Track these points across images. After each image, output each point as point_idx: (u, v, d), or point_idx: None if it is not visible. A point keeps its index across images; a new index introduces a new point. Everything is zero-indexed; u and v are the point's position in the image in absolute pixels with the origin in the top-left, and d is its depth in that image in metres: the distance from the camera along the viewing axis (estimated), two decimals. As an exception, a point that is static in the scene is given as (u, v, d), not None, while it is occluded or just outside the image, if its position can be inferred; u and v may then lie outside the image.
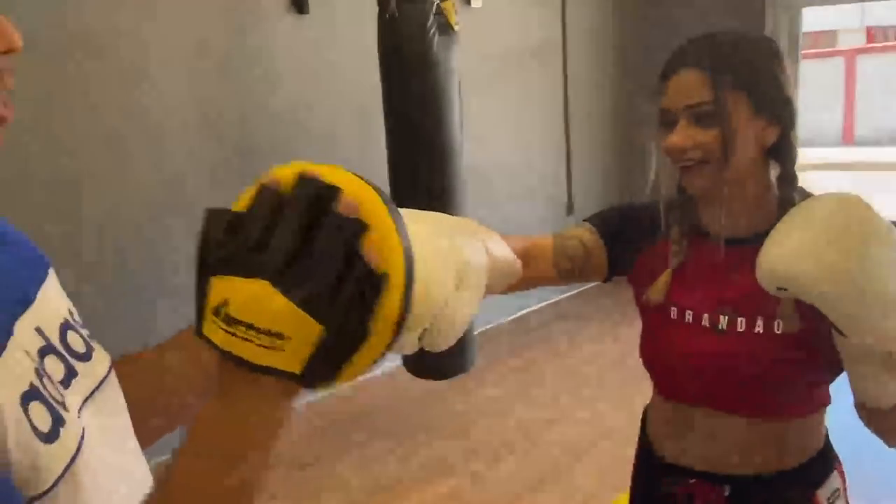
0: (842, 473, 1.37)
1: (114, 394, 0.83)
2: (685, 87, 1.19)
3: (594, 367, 4.16)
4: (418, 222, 0.96)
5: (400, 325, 0.65)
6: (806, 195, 1.24)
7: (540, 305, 5.01)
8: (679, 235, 1.33)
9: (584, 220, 1.44)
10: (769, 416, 1.31)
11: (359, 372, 0.64)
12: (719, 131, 1.18)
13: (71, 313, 0.84)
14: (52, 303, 0.80)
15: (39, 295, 0.79)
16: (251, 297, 0.57)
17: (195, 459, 0.64)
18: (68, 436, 0.67)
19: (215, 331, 0.59)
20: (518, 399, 3.66)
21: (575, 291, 5.38)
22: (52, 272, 0.85)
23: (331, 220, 0.59)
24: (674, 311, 1.29)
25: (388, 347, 0.66)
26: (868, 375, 1.16)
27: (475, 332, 3.15)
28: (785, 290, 1.10)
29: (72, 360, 0.77)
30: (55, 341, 0.76)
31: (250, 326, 0.58)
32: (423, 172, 3.08)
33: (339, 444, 3.43)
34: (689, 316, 1.26)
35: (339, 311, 0.59)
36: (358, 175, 0.65)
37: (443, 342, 0.97)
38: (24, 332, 0.71)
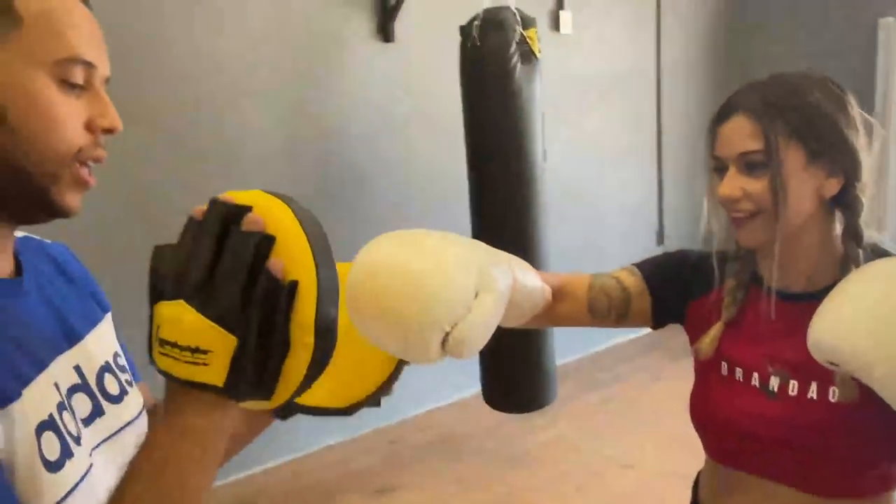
0: None
1: (135, 439, 0.88)
2: (736, 134, 1.16)
3: (673, 409, 4.03)
4: (445, 239, 1.03)
5: (322, 331, 0.68)
6: (881, 253, 1.19)
7: (622, 341, 4.94)
8: (735, 287, 1.29)
9: (632, 265, 1.43)
10: (826, 493, 1.23)
11: (297, 383, 0.70)
12: (770, 181, 1.14)
13: (116, 356, 0.91)
14: (99, 345, 0.87)
15: (89, 336, 0.86)
16: (172, 317, 0.63)
17: (143, 478, 0.71)
18: (73, 468, 0.72)
19: (157, 355, 0.65)
20: (592, 438, 3.59)
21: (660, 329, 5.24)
22: (108, 317, 0.94)
23: (235, 236, 0.64)
24: (724, 367, 1.25)
25: (320, 354, 0.69)
26: None
27: (555, 366, 3.13)
28: (836, 364, 1.03)
29: (102, 400, 0.83)
30: (91, 381, 0.82)
31: (175, 345, 0.64)
32: (503, 199, 3.07)
33: (414, 472, 3.47)
34: (739, 373, 1.21)
35: (250, 322, 0.64)
36: (276, 194, 0.71)
37: (465, 349, 1.01)
38: (62, 368, 0.77)
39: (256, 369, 0.68)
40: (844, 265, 1.16)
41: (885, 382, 0.98)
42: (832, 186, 1.14)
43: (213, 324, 0.65)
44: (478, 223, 3.18)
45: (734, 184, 1.16)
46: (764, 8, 5.28)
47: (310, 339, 0.68)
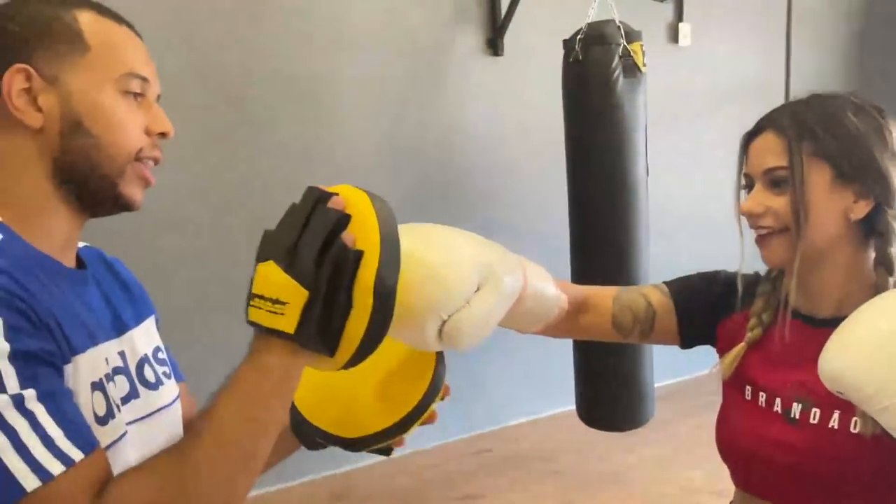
0: None
1: (166, 422, 1.02)
2: (763, 150, 1.18)
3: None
4: (458, 235, 1.11)
5: (381, 295, 0.79)
6: None
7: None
8: (761, 308, 1.28)
9: (663, 282, 1.43)
10: None
11: (358, 340, 0.80)
12: (792, 199, 1.15)
13: (157, 351, 1.07)
14: (142, 339, 1.02)
15: (135, 330, 1.01)
16: (262, 274, 0.76)
17: (225, 402, 0.82)
18: (112, 428, 0.85)
19: (249, 308, 0.78)
20: (685, 462, 3.51)
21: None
22: (152, 318, 1.09)
23: (319, 212, 0.77)
24: (749, 391, 1.25)
25: (378, 316, 0.80)
26: None
27: (654, 387, 3.11)
28: (841, 393, 1.03)
29: (139, 385, 0.96)
30: (132, 367, 0.96)
31: (262, 297, 0.76)
32: (600, 213, 3.09)
33: (501, 483, 3.55)
34: (762, 398, 1.21)
35: (320, 281, 0.75)
36: (361, 188, 0.86)
37: (459, 339, 1.07)
38: (110, 350, 0.91)
39: (322, 321, 0.79)
40: (875, 293, 1.14)
41: (887, 416, 0.97)
42: (860, 209, 1.13)
43: (291, 279, 0.76)
44: (576, 235, 3.18)
45: (758, 200, 1.17)
46: None
47: (369, 301, 0.79)
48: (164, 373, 1.06)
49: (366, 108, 3.71)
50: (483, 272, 1.11)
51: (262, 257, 0.80)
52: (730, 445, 1.31)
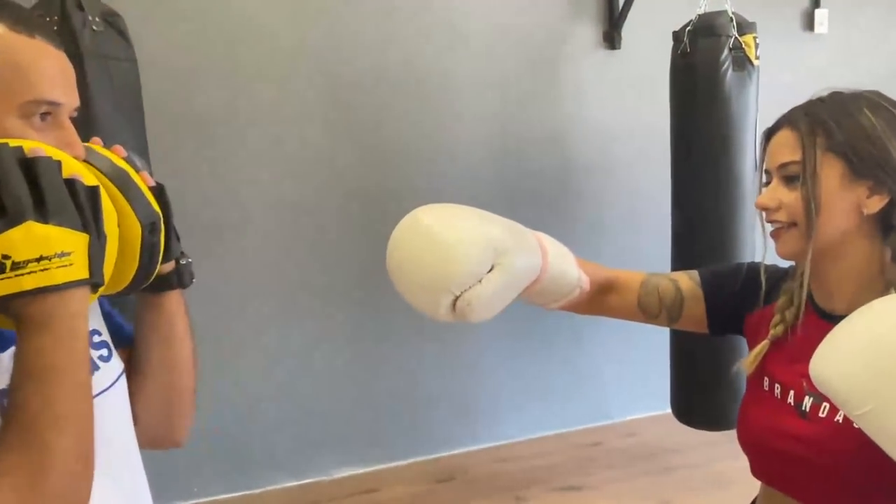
0: None
1: (109, 405, 1.02)
2: (780, 146, 1.20)
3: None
4: (478, 216, 1.18)
5: (143, 228, 0.86)
6: None
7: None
8: (785, 305, 1.29)
9: (696, 270, 1.46)
10: None
11: (128, 269, 0.87)
12: (803, 192, 1.17)
13: (93, 334, 1.04)
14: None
15: None
16: (26, 237, 0.71)
17: (42, 385, 0.77)
18: (101, 376, 0.97)
19: (7, 285, 0.71)
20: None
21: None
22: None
23: (40, 165, 0.74)
24: (766, 383, 1.27)
25: (142, 249, 0.87)
26: None
27: None
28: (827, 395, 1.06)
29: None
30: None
31: (41, 258, 0.72)
32: (702, 208, 3.06)
33: (607, 476, 3.60)
34: (778, 390, 1.23)
35: (87, 220, 0.76)
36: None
37: (469, 314, 1.15)
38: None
39: (102, 258, 0.82)
40: (888, 292, 1.15)
41: (864, 422, 0.98)
42: (874, 204, 1.14)
43: (66, 229, 0.75)
44: (679, 229, 3.18)
45: (772, 194, 1.20)
46: None
47: (114, 230, 0.85)
48: (101, 356, 1.07)
49: (480, 107, 3.71)
50: (497, 252, 1.18)
51: (4, 224, 0.75)
52: (747, 437, 1.33)
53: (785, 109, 1.30)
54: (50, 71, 0.89)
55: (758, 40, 2.99)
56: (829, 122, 1.17)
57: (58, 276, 0.75)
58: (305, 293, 3.68)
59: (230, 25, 3.42)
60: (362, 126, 3.60)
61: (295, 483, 3.89)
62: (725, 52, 2.87)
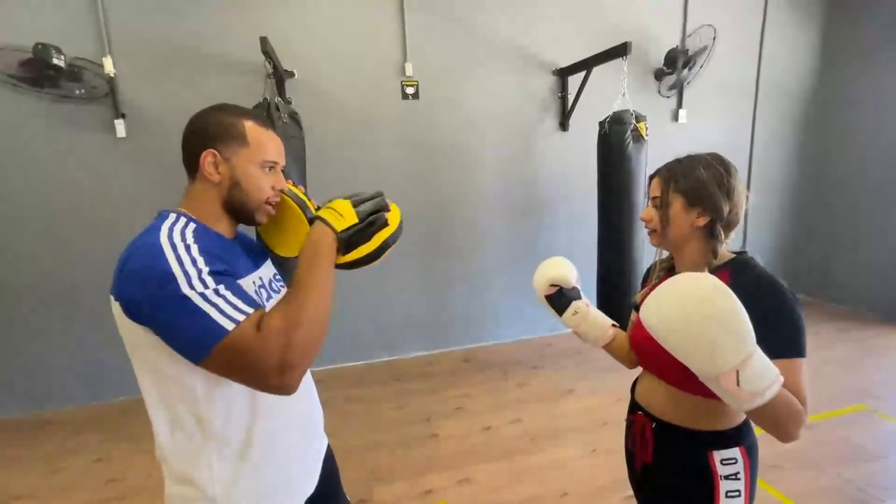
0: (745, 457, 1.46)
1: None
2: (653, 186, 1.45)
3: None
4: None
5: (384, 244, 1.36)
6: (745, 263, 1.39)
7: None
8: (659, 272, 1.55)
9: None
10: (684, 389, 1.44)
11: (360, 254, 1.35)
12: (661, 213, 1.41)
13: (275, 276, 1.51)
14: (264, 272, 1.47)
15: (261, 267, 1.47)
16: (342, 204, 1.34)
17: (305, 264, 1.28)
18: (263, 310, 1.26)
19: (323, 211, 1.33)
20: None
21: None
22: (268, 262, 1.52)
23: (379, 200, 1.39)
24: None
25: (375, 252, 1.35)
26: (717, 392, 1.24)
27: None
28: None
29: (271, 292, 1.44)
30: (266, 284, 1.45)
31: (334, 210, 1.33)
32: (618, 222, 3.80)
33: (548, 362, 4.30)
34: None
35: (364, 219, 1.35)
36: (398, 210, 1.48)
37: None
38: (254, 277, 1.40)
39: (355, 237, 1.31)
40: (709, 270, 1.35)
41: (666, 344, 1.18)
42: (701, 221, 1.37)
43: (354, 211, 1.27)
44: (602, 236, 3.94)
45: (648, 213, 1.44)
46: (852, 93, 5.54)
47: (376, 244, 1.33)
48: (281, 286, 1.50)
49: (489, 161, 4.72)
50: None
51: (347, 201, 1.28)
52: (632, 342, 1.58)
53: (660, 165, 1.47)
54: (276, 145, 1.37)
55: (647, 126, 3.93)
56: (678, 174, 1.39)
57: (331, 217, 1.30)
58: (407, 252, 4.69)
59: (353, 115, 4.42)
60: (427, 173, 4.62)
61: (386, 358, 4.94)
62: (628, 132, 3.70)
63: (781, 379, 1.18)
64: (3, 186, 3.83)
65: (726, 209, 1.38)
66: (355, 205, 1.33)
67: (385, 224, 1.34)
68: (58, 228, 3.96)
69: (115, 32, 3.85)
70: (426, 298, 4.91)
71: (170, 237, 1.20)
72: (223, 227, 1.37)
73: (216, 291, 1.15)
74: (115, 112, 3.91)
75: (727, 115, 5.54)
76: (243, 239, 1.48)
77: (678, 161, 1.45)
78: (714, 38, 5.02)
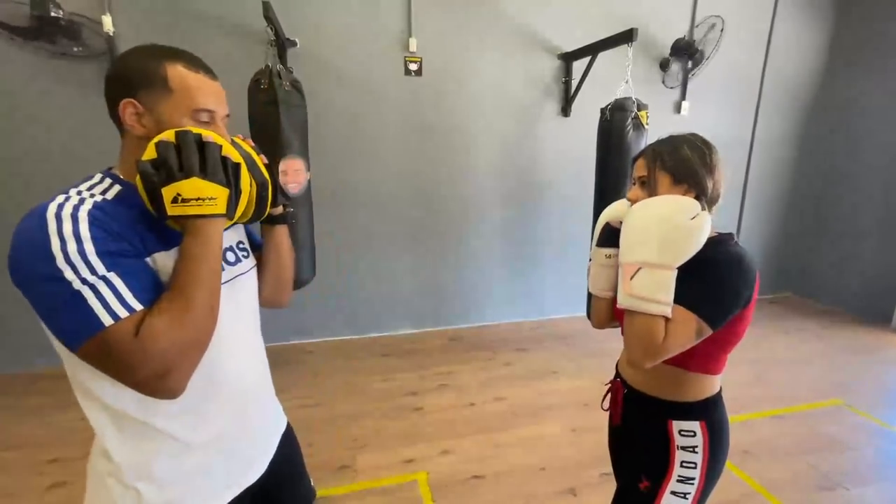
0: (705, 432, 1.49)
1: (244, 281, 1.32)
2: (638, 166, 1.47)
3: None
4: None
5: (258, 188, 1.18)
6: (717, 237, 1.44)
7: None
8: None
9: None
10: None
11: (251, 208, 1.19)
12: (649, 192, 1.42)
13: (239, 243, 1.38)
14: (227, 237, 1.36)
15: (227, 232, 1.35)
16: (191, 186, 1.05)
17: (190, 265, 1.08)
18: (243, 265, 1.31)
19: (177, 210, 1.05)
20: None
21: None
22: (240, 228, 1.43)
23: (208, 146, 1.09)
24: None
25: (257, 200, 1.18)
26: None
27: None
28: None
29: (224, 263, 1.29)
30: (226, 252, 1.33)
31: (198, 199, 1.05)
32: (609, 203, 3.27)
33: (536, 344, 4.38)
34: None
35: (230, 180, 1.11)
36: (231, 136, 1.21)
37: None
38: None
39: (236, 205, 1.13)
40: None
41: (624, 225, 1.32)
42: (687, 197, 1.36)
43: (218, 185, 1.06)
44: (597, 215, 3.14)
45: (634, 192, 1.46)
46: (852, 91, 5.50)
47: (248, 192, 1.14)
48: (244, 254, 1.35)
49: (491, 144, 4.71)
50: None
51: (181, 177, 1.03)
52: (615, 310, 1.67)
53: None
54: (209, 91, 1.18)
55: (648, 115, 3.94)
56: (663, 153, 1.41)
57: (206, 209, 1.06)
58: (400, 230, 4.69)
59: (354, 89, 4.37)
60: (425, 151, 4.62)
61: (375, 334, 5.00)
62: (629, 120, 3.66)
63: (665, 311, 1.29)
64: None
65: (710, 185, 1.42)
66: (205, 177, 1.12)
67: (237, 167, 1.16)
68: (51, 189, 3.70)
69: (114, -10, 3.77)
70: (417, 277, 4.95)
71: (58, 211, 1.06)
72: None
73: (103, 277, 1.04)
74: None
75: (730, 109, 5.52)
76: None
77: (661, 141, 1.48)
78: (722, 31, 5.00)
